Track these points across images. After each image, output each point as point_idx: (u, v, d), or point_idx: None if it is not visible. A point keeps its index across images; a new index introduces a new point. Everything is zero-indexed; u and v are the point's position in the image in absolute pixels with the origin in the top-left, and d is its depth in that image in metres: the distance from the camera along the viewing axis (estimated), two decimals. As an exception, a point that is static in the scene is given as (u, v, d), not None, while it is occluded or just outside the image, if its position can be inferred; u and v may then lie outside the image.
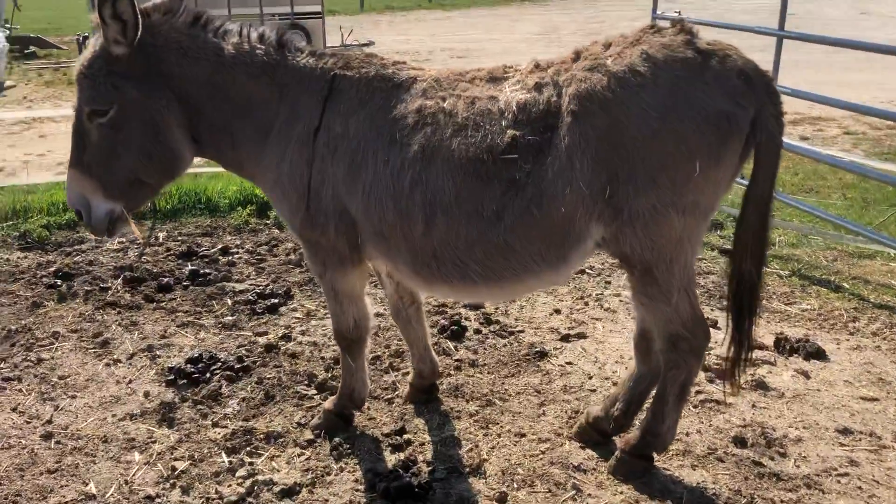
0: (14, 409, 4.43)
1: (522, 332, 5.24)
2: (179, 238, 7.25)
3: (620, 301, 5.68)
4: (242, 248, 6.95)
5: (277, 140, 3.64)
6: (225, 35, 3.65)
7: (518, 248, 3.26)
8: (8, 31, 25.86)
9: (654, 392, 3.71)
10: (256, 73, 3.62)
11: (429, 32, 27.74)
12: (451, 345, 5.05)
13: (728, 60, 3.11)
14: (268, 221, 7.61)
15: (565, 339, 5.13)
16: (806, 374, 4.68)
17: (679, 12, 8.93)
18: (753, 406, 4.35)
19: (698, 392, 4.42)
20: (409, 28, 29.69)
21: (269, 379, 4.67)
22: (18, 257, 6.79)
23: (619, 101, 3.07)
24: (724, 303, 3.70)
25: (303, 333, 5.28)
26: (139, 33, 3.38)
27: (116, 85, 3.45)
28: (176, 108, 3.57)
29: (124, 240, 7.06)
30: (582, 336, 5.17)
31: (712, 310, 5.46)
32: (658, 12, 8.45)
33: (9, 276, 6.33)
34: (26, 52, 23.86)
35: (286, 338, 5.21)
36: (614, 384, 4.49)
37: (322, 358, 4.92)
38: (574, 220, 3.18)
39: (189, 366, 4.79)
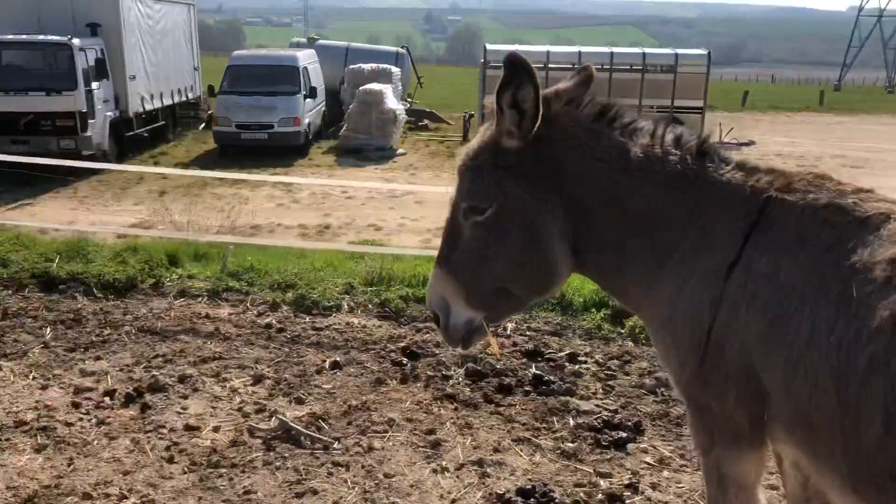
0: (335, 504, 4.16)
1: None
2: (528, 333, 6.80)
3: None
4: (591, 358, 6.27)
5: (677, 269, 2.86)
6: (633, 134, 2.98)
7: None
8: (408, 105, 29.02)
9: None
10: (666, 184, 2.89)
11: (817, 136, 25.37)
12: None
13: None
14: (622, 330, 6.84)
15: None
16: None
17: None
18: None
19: None
20: (793, 130, 27.52)
21: (607, 543, 3.86)
22: (374, 325, 6.85)
23: None
24: None
25: (653, 487, 4.37)
26: (537, 126, 2.86)
27: (500, 181, 2.94)
28: (561, 214, 2.97)
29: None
30: None
31: None
32: None
33: (361, 344, 6.35)
34: (420, 124, 26.39)
35: (632, 488, 4.34)
36: None
37: (675, 530, 3.98)
38: None
39: (520, 499, 4.17)
